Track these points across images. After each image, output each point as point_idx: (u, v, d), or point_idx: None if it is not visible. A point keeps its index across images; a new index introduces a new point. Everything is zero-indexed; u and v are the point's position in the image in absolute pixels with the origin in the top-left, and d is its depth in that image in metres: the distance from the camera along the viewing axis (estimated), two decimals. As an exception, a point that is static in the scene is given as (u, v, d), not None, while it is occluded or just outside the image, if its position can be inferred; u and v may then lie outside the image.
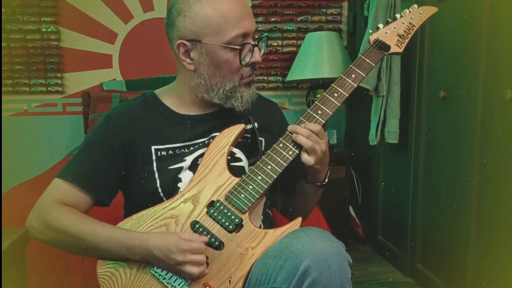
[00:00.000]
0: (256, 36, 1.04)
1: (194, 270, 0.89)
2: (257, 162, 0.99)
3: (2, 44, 2.53)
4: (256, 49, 1.01)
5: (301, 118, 1.01)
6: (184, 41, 0.99)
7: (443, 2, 1.83)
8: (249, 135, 1.09)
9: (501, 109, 1.49)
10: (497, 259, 1.53)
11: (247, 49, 1.00)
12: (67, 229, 0.95)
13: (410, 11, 1.09)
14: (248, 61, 1.00)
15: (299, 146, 0.98)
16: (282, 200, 1.19)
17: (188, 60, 1.01)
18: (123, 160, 1.02)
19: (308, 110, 1.01)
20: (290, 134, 1.00)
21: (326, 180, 1.07)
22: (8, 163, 2.50)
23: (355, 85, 1.02)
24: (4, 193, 1.63)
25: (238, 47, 0.97)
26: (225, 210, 0.95)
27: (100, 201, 1.03)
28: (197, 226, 0.94)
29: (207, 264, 0.92)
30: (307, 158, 0.97)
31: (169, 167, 1.01)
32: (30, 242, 0.98)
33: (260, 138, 1.09)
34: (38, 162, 2.56)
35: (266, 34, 1.08)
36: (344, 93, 1.01)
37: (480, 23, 1.58)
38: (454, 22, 1.77)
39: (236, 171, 1.01)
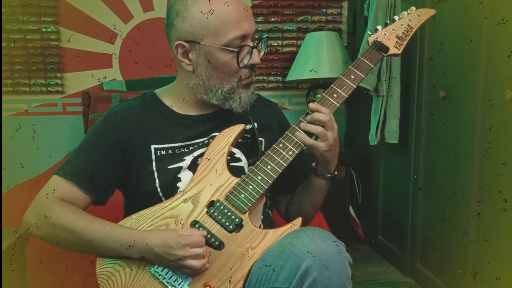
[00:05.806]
0: (256, 37, 1.04)
1: (196, 263, 0.89)
2: (257, 162, 0.99)
3: (2, 44, 2.53)
4: (255, 50, 1.00)
5: (301, 118, 1.01)
6: (182, 42, 0.98)
7: (443, 2, 1.83)
8: (249, 135, 1.09)
9: (501, 109, 1.49)
10: (497, 259, 1.53)
11: (245, 51, 0.99)
12: (65, 225, 0.94)
13: (408, 13, 1.09)
14: (246, 63, 1.00)
15: (299, 146, 0.99)
16: (285, 202, 1.18)
17: (186, 61, 1.00)
18: (122, 160, 1.02)
19: (308, 111, 1.01)
20: (289, 134, 1.00)
21: (336, 173, 1.06)
22: (8, 163, 2.50)
23: (354, 86, 1.02)
24: (4, 193, 1.64)
25: (235, 50, 0.97)
26: (225, 210, 0.95)
27: (97, 200, 1.03)
28: (197, 226, 0.94)
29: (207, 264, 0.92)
30: (318, 144, 0.97)
31: (169, 167, 1.01)
32: (30, 242, 0.98)
33: (260, 139, 1.09)
34: (38, 162, 2.57)
35: (266, 35, 1.07)
36: (343, 93, 1.01)
37: (480, 23, 1.58)
38: (454, 22, 1.77)
39: (236, 171, 1.02)
